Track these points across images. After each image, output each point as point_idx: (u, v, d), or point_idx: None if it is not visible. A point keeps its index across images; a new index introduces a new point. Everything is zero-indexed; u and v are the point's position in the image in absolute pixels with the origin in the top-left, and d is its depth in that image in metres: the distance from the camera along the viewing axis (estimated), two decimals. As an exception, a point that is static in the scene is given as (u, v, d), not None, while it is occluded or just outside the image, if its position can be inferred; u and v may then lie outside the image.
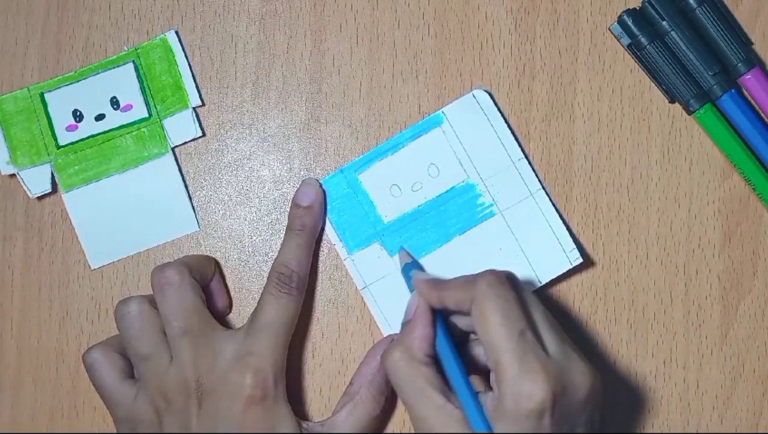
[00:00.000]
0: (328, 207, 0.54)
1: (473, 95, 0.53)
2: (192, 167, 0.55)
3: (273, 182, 0.55)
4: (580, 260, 0.52)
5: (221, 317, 0.54)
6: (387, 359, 0.46)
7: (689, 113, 0.53)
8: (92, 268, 0.55)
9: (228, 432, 0.48)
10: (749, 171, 0.53)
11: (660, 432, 0.53)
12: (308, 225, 0.52)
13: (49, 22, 0.56)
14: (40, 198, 0.55)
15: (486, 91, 0.53)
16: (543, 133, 0.54)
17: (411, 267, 0.51)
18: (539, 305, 0.46)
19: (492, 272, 0.45)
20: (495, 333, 0.43)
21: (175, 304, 0.50)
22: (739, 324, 0.53)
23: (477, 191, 0.53)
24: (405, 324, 0.48)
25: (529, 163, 0.53)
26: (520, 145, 0.53)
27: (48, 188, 0.55)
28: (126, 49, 0.55)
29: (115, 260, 0.55)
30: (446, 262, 0.53)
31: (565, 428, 0.43)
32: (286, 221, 0.55)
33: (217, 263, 0.54)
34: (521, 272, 0.52)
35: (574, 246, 0.52)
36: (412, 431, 0.54)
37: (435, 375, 0.45)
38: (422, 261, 0.53)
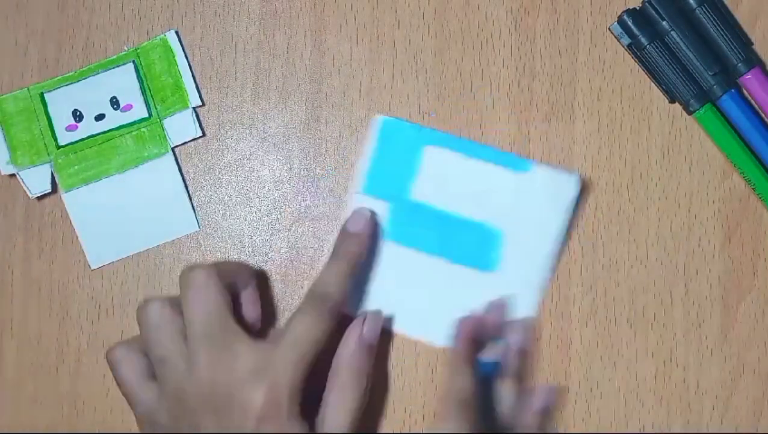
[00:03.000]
0: (380, 144, 0.53)
1: (568, 179, 0.52)
2: (192, 167, 0.55)
3: (273, 182, 0.55)
4: None
5: (250, 330, 0.51)
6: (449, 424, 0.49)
7: (689, 113, 0.53)
8: (92, 268, 0.55)
9: None
10: (749, 171, 0.53)
11: (660, 432, 0.53)
12: (353, 253, 0.52)
13: (49, 22, 0.56)
14: (40, 198, 0.55)
15: (578, 181, 0.53)
16: (543, 133, 0.54)
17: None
18: None
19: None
20: None
21: (197, 307, 0.48)
22: (739, 324, 0.53)
23: (496, 244, 0.53)
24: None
25: (551, 262, 0.53)
26: (563, 247, 0.53)
27: (48, 188, 0.55)
28: (126, 49, 0.55)
29: (115, 260, 0.55)
30: (419, 270, 0.53)
31: None
32: (286, 221, 0.55)
33: (255, 274, 0.53)
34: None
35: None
36: (412, 431, 0.54)
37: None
38: (402, 251, 0.53)
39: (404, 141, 0.53)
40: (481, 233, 0.53)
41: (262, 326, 0.53)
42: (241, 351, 0.48)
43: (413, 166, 0.53)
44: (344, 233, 0.52)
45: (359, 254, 0.52)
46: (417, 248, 0.53)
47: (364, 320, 0.51)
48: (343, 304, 0.51)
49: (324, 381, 0.50)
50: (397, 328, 0.53)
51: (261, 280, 0.54)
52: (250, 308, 0.52)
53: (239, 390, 0.47)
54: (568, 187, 0.52)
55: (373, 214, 0.53)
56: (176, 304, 0.49)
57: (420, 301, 0.53)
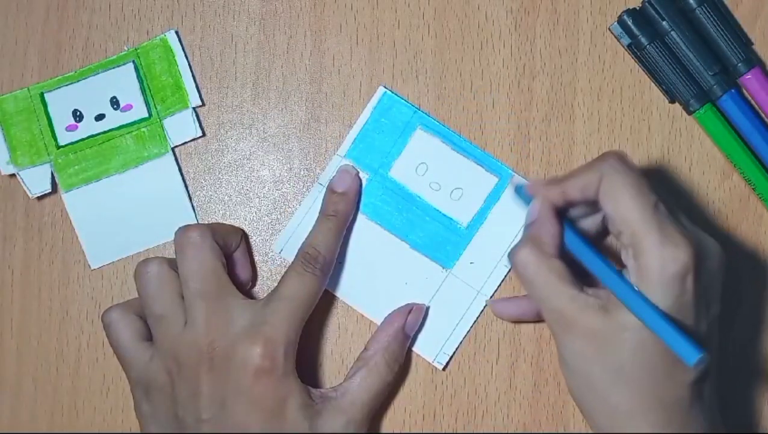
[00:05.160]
0: (375, 115, 0.54)
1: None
2: (192, 167, 0.55)
3: (273, 182, 0.55)
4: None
5: (243, 289, 0.53)
6: (516, 256, 0.46)
7: (689, 113, 0.53)
8: (92, 268, 0.55)
9: (236, 401, 0.48)
10: (749, 171, 0.53)
11: (660, 431, 0.53)
12: (341, 211, 0.53)
13: (49, 22, 0.56)
14: (40, 198, 0.55)
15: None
16: (543, 133, 0.54)
17: (522, 186, 0.50)
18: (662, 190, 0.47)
19: (615, 151, 0.46)
20: (630, 205, 0.44)
21: (194, 265, 0.49)
22: (739, 325, 0.53)
23: (461, 241, 0.53)
24: (529, 225, 0.47)
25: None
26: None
27: (48, 188, 0.55)
28: (126, 49, 0.55)
29: (115, 260, 0.55)
30: (381, 247, 0.53)
31: (702, 293, 0.44)
32: (286, 222, 0.55)
33: (244, 235, 0.54)
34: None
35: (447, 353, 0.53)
36: (412, 431, 0.54)
37: (566, 268, 0.45)
38: (368, 224, 0.54)
39: (398, 118, 0.54)
40: (446, 228, 0.54)
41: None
42: (237, 308, 0.49)
43: (400, 144, 0.54)
44: (331, 192, 0.53)
45: (347, 212, 0.53)
46: (382, 224, 0.54)
47: (410, 311, 0.52)
48: (332, 262, 0.52)
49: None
50: (340, 294, 0.54)
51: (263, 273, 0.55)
52: (242, 268, 0.53)
53: (236, 346, 0.48)
54: None
55: (357, 172, 0.54)
56: (174, 264, 0.51)
57: (370, 275, 0.54)
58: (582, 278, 0.46)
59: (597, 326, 0.44)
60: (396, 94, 0.54)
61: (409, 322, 0.52)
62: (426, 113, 0.54)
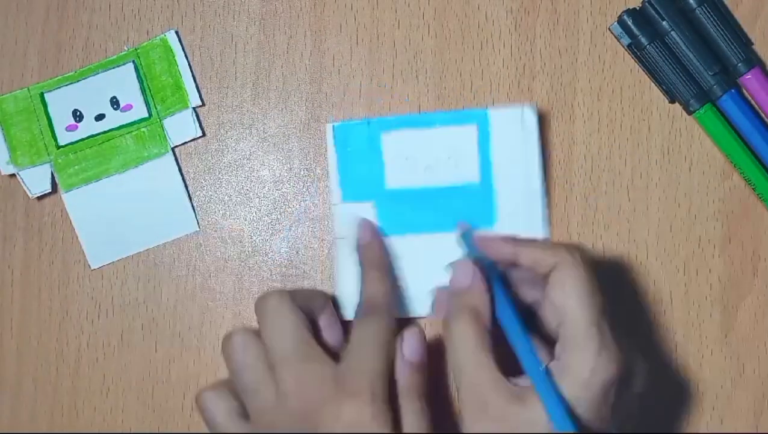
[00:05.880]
0: (340, 151, 0.53)
1: (522, 110, 0.52)
2: (192, 167, 0.55)
3: (273, 182, 0.55)
4: None
5: (333, 354, 0.49)
6: (456, 327, 0.46)
7: (689, 113, 0.53)
8: (92, 268, 0.55)
9: None
10: (749, 171, 0.53)
11: (660, 432, 0.53)
12: (376, 259, 0.51)
13: (49, 22, 0.56)
14: (40, 198, 0.55)
15: (534, 110, 0.52)
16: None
17: (471, 233, 0.50)
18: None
19: (578, 247, 0.46)
20: (579, 304, 0.44)
21: (276, 330, 0.47)
22: (739, 324, 0.53)
23: (484, 198, 0.53)
24: (463, 293, 0.47)
25: (542, 198, 0.52)
26: (543, 175, 0.53)
27: (48, 188, 0.55)
28: (126, 49, 0.55)
29: (115, 260, 0.55)
30: (423, 252, 0.53)
31: (619, 407, 0.45)
32: (286, 221, 0.55)
33: (330, 298, 0.52)
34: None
35: None
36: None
37: (493, 348, 0.45)
38: (401, 241, 0.53)
39: (359, 139, 0.53)
40: (466, 195, 0.53)
41: None
42: (325, 371, 0.47)
43: (377, 157, 0.53)
44: (360, 247, 0.52)
45: (382, 257, 0.52)
46: (414, 232, 0.53)
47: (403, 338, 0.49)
48: (392, 306, 0.50)
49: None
50: (425, 313, 0.53)
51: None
52: (330, 332, 0.50)
53: (326, 407, 0.46)
54: (527, 117, 0.52)
55: (370, 222, 0.53)
56: (259, 334, 0.48)
57: (437, 279, 0.52)
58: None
59: (508, 413, 0.44)
60: (343, 122, 0.53)
61: (407, 349, 0.49)
62: (378, 118, 0.53)
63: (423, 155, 0.53)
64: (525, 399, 0.44)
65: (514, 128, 0.52)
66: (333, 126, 0.53)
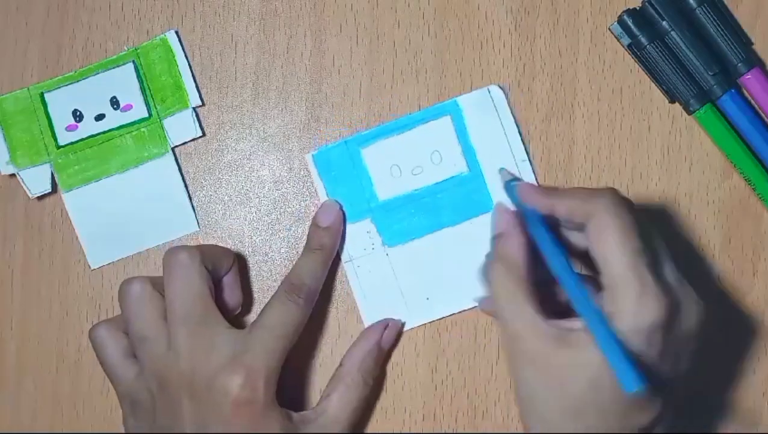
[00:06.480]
0: (325, 177, 0.54)
1: (488, 90, 0.53)
2: (192, 167, 0.55)
3: (273, 182, 0.55)
4: None
5: (230, 316, 0.52)
6: (491, 274, 0.46)
7: (689, 113, 0.53)
8: (92, 268, 0.55)
9: (217, 430, 0.47)
10: (749, 171, 0.53)
11: (662, 432, 0.53)
12: (326, 245, 0.52)
13: (49, 22, 0.56)
14: (40, 198, 0.55)
15: (501, 88, 0.53)
16: (543, 133, 0.54)
17: (514, 181, 0.50)
18: (658, 235, 0.46)
19: (615, 191, 0.45)
20: (615, 250, 0.43)
21: (179, 288, 0.49)
22: (739, 324, 0.53)
23: (477, 185, 0.53)
24: (497, 237, 0.47)
25: (531, 166, 0.53)
26: (525, 147, 0.53)
27: (48, 188, 0.55)
28: (126, 49, 0.55)
29: (115, 260, 0.55)
30: (433, 250, 0.53)
31: (670, 350, 0.44)
32: (286, 221, 0.55)
33: (236, 260, 0.53)
34: None
35: None
36: (412, 431, 0.54)
37: (533, 293, 0.45)
38: (409, 246, 0.53)
39: (340, 160, 0.54)
40: (457, 187, 0.54)
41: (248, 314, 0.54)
42: (220, 336, 0.49)
43: (363, 174, 0.54)
44: (316, 226, 0.53)
45: (333, 246, 0.53)
46: (416, 237, 0.54)
47: (386, 326, 0.53)
48: (317, 292, 0.52)
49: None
50: (442, 313, 0.53)
51: (259, 279, 0.54)
52: (231, 293, 0.53)
53: (217, 376, 0.48)
54: (495, 95, 0.53)
55: (340, 206, 0.53)
56: (158, 284, 0.50)
57: (447, 276, 0.53)
58: (555, 307, 0.45)
59: (552, 358, 0.43)
60: (321, 149, 0.54)
61: (386, 337, 0.53)
62: (354, 135, 0.54)
63: (407, 160, 0.54)
64: (568, 342, 0.43)
65: (486, 109, 0.53)
66: (312, 155, 0.54)
